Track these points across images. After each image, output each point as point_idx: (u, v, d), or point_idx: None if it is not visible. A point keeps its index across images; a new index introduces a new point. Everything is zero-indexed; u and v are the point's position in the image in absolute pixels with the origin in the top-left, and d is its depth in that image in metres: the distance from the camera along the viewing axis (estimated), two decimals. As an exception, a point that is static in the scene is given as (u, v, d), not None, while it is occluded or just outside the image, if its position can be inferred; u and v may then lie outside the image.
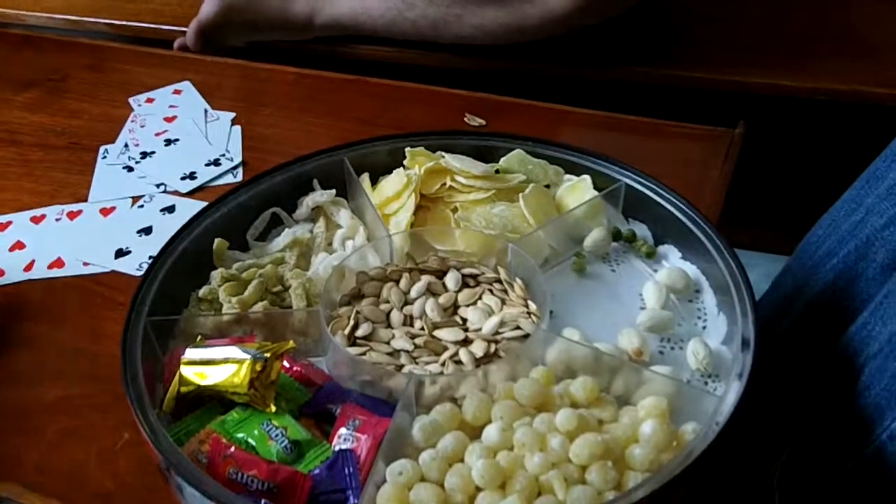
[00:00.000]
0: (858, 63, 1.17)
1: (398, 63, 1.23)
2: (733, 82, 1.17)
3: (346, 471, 0.61)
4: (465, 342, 0.71)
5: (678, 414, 0.66)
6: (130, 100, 1.14)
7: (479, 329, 0.72)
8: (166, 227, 0.89)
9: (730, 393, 0.64)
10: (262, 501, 0.59)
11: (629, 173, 0.83)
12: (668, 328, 0.74)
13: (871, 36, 1.23)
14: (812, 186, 1.04)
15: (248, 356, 0.64)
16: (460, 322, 0.73)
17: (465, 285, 0.76)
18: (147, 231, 0.92)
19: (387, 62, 1.24)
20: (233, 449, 0.61)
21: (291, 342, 0.67)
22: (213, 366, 0.65)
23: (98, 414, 0.75)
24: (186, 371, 0.65)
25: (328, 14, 1.22)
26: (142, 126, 1.08)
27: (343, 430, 0.64)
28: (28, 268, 0.89)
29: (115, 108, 1.13)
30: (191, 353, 0.66)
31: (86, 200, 0.98)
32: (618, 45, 1.20)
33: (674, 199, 0.80)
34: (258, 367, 0.64)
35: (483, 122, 1.06)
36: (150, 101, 1.13)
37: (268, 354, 0.65)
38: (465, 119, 1.06)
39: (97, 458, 0.72)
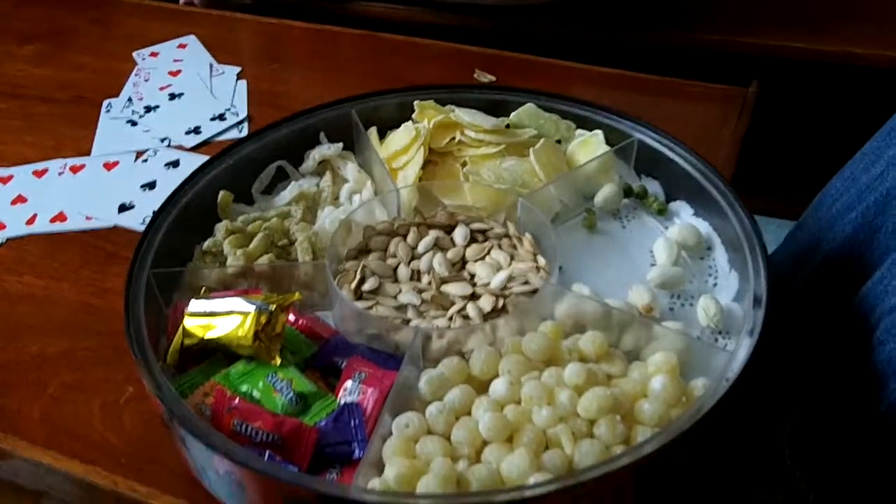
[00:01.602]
0: (874, 26, 1.16)
1: (411, 21, 1.21)
2: (747, 44, 1.16)
3: (352, 423, 0.60)
4: (473, 297, 0.70)
5: (688, 369, 0.65)
6: (135, 54, 1.12)
7: (488, 284, 0.71)
8: (170, 182, 0.88)
9: (741, 349, 0.63)
10: (267, 453, 0.58)
11: (642, 128, 0.82)
12: (679, 285, 0.73)
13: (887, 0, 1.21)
14: (825, 151, 1.02)
15: (253, 308, 0.63)
16: (468, 277, 0.72)
17: (473, 240, 0.75)
18: (151, 186, 0.91)
19: (399, 21, 1.22)
20: (237, 401, 0.60)
21: (297, 294, 0.66)
22: (218, 318, 0.64)
23: (101, 368, 0.74)
24: (190, 323, 0.64)
25: None
26: (146, 80, 1.07)
27: (349, 383, 0.63)
28: (30, 221, 0.88)
29: (119, 62, 1.11)
30: (195, 306, 0.65)
31: (89, 154, 0.96)
32: (631, 7, 1.18)
33: (686, 155, 0.78)
34: (263, 319, 0.63)
35: (493, 78, 1.04)
36: (154, 55, 1.12)
37: (273, 306, 0.64)
38: (475, 75, 1.05)
39: (101, 411, 0.71)
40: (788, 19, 1.18)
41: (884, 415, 0.69)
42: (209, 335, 0.64)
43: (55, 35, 1.17)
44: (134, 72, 1.09)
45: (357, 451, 0.59)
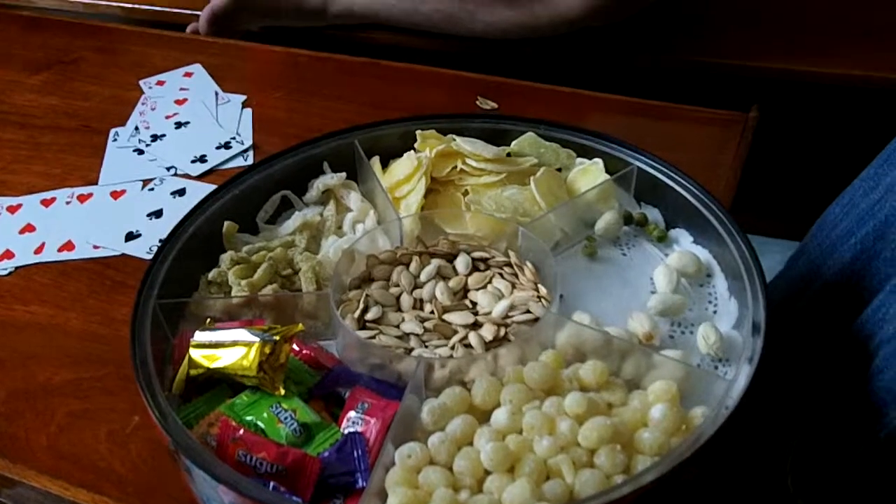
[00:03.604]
0: (875, 48, 1.16)
1: (414, 48, 1.23)
2: (748, 68, 1.16)
3: (355, 453, 0.61)
4: (475, 326, 0.71)
5: (688, 398, 0.65)
6: (141, 82, 1.13)
7: (489, 313, 0.72)
8: (177, 211, 0.89)
9: (740, 376, 0.64)
10: (271, 484, 0.59)
11: (641, 156, 0.82)
12: (679, 312, 0.73)
13: (888, 21, 1.22)
14: (827, 173, 1.03)
15: (257, 339, 0.64)
16: (470, 306, 0.73)
17: (475, 269, 0.76)
18: (157, 214, 0.92)
19: (403, 47, 1.23)
20: (241, 431, 0.61)
21: (300, 325, 0.67)
22: (222, 348, 0.64)
23: (108, 397, 0.75)
24: (195, 354, 0.65)
25: (343, 3, 1.22)
26: (152, 109, 1.08)
27: (352, 413, 0.64)
28: (38, 250, 0.89)
29: (126, 90, 1.12)
30: (200, 336, 0.66)
31: (96, 183, 0.98)
32: (632, 31, 1.19)
33: (685, 183, 0.79)
34: (267, 350, 0.64)
35: (495, 105, 1.05)
36: (160, 83, 1.13)
37: (277, 337, 0.64)
38: (477, 102, 1.05)
39: (108, 441, 0.72)
40: (790, 42, 1.19)
41: (884, 442, 0.70)
42: (214, 365, 0.64)
43: (62, 64, 1.18)
44: (140, 100, 1.10)
45: (360, 481, 0.60)
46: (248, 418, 0.63)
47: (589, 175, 0.83)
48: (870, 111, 1.18)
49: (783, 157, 1.24)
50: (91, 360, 0.78)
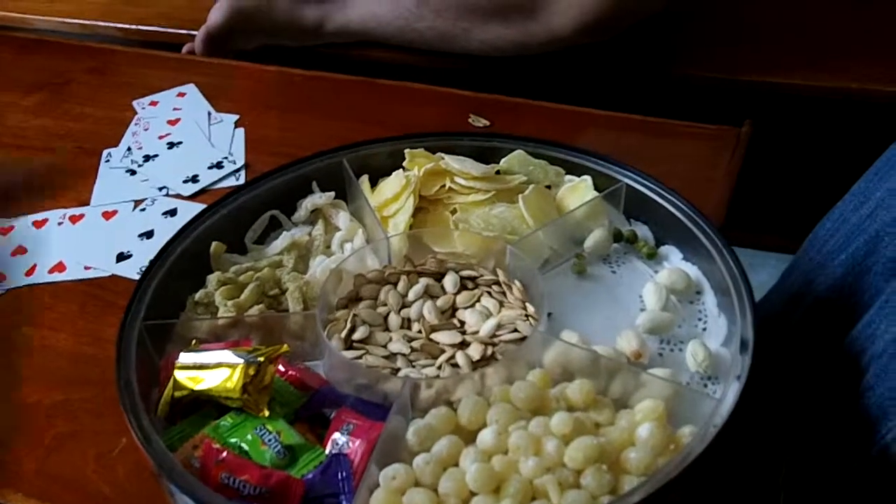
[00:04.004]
0: (869, 61, 1.16)
1: (408, 65, 1.23)
2: (739, 82, 1.16)
3: (340, 475, 0.61)
4: (463, 345, 0.71)
5: (676, 417, 0.65)
6: (134, 103, 1.13)
7: (477, 332, 0.71)
8: (168, 231, 0.88)
9: (728, 395, 0.63)
10: (255, 507, 0.58)
11: (630, 173, 0.82)
12: (669, 329, 0.73)
13: (881, 33, 1.21)
14: (821, 187, 1.02)
15: (241, 360, 0.64)
16: (458, 325, 0.73)
17: (463, 287, 0.75)
18: (149, 235, 0.92)
19: (397, 64, 1.23)
20: (225, 454, 0.60)
21: (285, 345, 0.66)
22: (207, 370, 0.64)
23: (97, 419, 0.75)
24: (180, 375, 0.65)
25: (338, 21, 1.22)
26: (145, 129, 1.08)
27: (337, 435, 0.63)
28: (29, 272, 0.89)
29: (119, 111, 1.12)
30: (184, 358, 0.66)
31: (88, 204, 0.98)
32: (623, 48, 1.19)
33: (675, 200, 0.79)
34: (251, 372, 0.63)
35: (488, 122, 1.05)
36: (153, 103, 1.13)
37: (261, 358, 0.64)
38: (470, 120, 1.05)
39: (95, 462, 0.72)
40: (781, 56, 1.19)
41: (876, 458, 0.69)
42: (198, 388, 0.64)
43: (55, 85, 1.18)
44: (133, 121, 1.10)
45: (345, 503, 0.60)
46: (233, 440, 0.63)
47: (578, 192, 0.83)
48: (864, 124, 1.17)
49: (777, 170, 1.23)
50: (81, 382, 0.78)
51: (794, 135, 1.23)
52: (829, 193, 0.89)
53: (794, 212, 1.20)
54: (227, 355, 0.65)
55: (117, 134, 1.08)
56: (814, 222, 0.89)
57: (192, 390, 0.64)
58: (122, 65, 1.23)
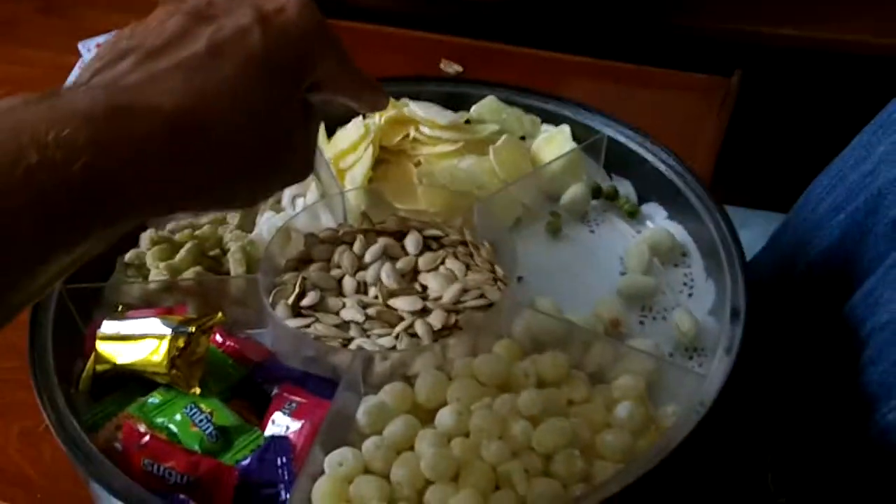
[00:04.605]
0: (869, 12, 1.11)
1: (379, 10, 1.15)
2: (730, 31, 1.12)
3: (279, 461, 0.54)
4: (424, 312, 0.64)
5: (658, 394, 0.60)
6: (80, 44, 1.06)
7: (440, 297, 0.65)
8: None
9: (716, 370, 0.58)
10: (181, 497, 0.52)
11: (612, 124, 0.77)
12: (651, 296, 0.68)
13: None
14: (815, 142, 0.98)
15: (170, 330, 0.57)
16: (420, 290, 0.66)
17: (426, 248, 0.69)
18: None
19: (368, 8, 1.16)
20: (148, 437, 0.54)
21: (220, 314, 0.60)
22: (131, 342, 0.57)
23: (22, 391, 0.68)
24: (103, 347, 0.58)
25: None
26: (89, 73, 1.01)
27: (278, 415, 0.57)
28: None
29: (64, 55, 1.05)
30: (108, 327, 0.59)
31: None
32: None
33: (660, 153, 0.74)
34: (180, 344, 0.57)
35: (461, 68, 0.99)
36: (99, 46, 1.05)
37: (192, 329, 0.57)
38: (441, 65, 0.99)
39: (18, 440, 0.67)
40: (776, 5, 1.14)
41: (874, 439, 0.64)
42: (121, 361, 0.58)
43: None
44: (77, 64, 1.02)
45: (283, 494, 0.54)
46: (159, 420, 0.56)
47: (554, 144, 0.77)
48: (861, 78, 1.14)
49: (768, 125, 1.20)
50: (6, 350, 0.71)
51: (786, 88, 1.18)
52: (823, 150, 0.84)
53: (784, 169, 1.15)
54: (154, 324, 0.58)
55: (61, 78, 1.00)
56: (805, 180, 0.84)
57: (115, 364, 0.58)
58: (72, 5, 1.15)
